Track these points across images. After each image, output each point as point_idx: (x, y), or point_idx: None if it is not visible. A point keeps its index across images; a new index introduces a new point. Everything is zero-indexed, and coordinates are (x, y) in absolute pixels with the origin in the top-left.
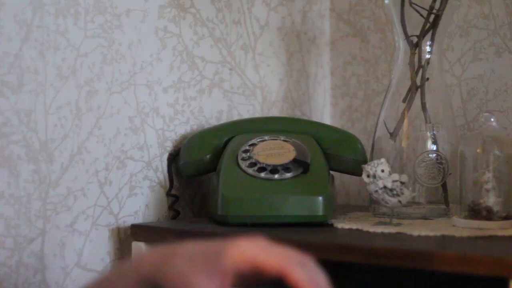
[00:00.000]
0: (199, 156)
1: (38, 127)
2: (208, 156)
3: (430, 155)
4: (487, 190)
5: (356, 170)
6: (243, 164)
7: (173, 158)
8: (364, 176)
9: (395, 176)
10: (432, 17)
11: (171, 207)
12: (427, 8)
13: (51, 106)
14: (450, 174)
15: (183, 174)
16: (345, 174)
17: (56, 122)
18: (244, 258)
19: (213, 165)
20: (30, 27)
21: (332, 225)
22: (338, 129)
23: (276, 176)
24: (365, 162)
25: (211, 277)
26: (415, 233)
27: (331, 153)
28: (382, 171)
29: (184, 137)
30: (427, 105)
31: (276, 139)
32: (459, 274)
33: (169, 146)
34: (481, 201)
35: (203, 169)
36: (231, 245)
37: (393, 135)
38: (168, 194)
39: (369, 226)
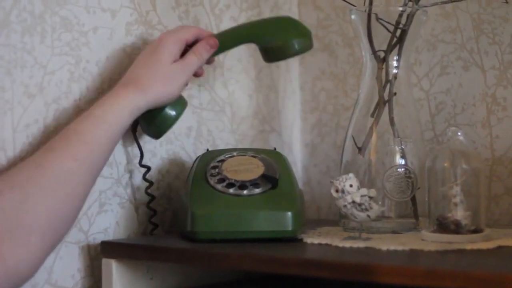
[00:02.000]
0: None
1: (6, 145)
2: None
3: (398, 169)
4: (455, 204)
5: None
6: (212, 180)
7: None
8: (332, 191)
9: (364, 191)
10: (398, 32)
11: (150, 220)
12: (394, 23)
13: (19, 124)
14: (419, 188)
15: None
16: (316, 189)
17: (24, 140)
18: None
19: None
20: None
21: (301, 240)
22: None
23: (245, 192)
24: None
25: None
26: (384, 247)
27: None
28: (351, 186)
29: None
30: (395, 120)
31: (244, 155)
32: None
33: (138, 162)
34: (449, 215)
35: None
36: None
37: (361, 149)
38: (148, 207)
39: (338, 241)
